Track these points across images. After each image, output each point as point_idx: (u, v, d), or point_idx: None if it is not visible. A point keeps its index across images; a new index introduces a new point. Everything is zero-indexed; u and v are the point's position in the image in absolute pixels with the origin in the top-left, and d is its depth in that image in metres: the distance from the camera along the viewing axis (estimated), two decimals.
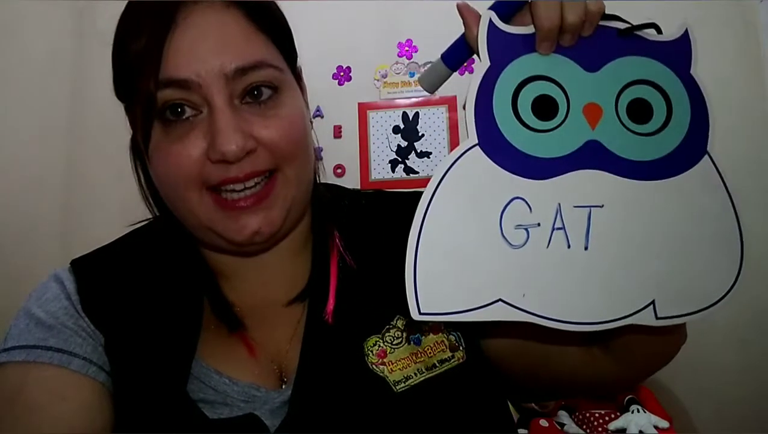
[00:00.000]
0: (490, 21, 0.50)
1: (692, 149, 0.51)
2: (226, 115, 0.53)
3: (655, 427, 1.69)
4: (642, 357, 0.59)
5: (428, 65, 2.17)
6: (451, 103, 2.14)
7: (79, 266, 0.62)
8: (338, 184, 0.73)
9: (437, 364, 0.58)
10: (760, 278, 1.87)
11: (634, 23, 0.52)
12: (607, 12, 0.51)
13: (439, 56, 0.55)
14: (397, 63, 2.21)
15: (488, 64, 0.50)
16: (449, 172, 0.49)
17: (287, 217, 0.58)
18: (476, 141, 0.49)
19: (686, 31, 0.52)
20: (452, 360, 0.59)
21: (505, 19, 0.51)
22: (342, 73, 2.24)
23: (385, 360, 0.58)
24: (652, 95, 0.51)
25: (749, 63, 1.97)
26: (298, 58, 0.63)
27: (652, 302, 0.49)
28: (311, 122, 0.63)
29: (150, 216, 0.66)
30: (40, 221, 2.05)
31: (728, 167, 1.86)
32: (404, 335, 0.60)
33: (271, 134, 0.55)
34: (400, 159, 2.16)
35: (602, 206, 0.49)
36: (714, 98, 1.90)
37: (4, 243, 1.88)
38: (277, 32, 0.59)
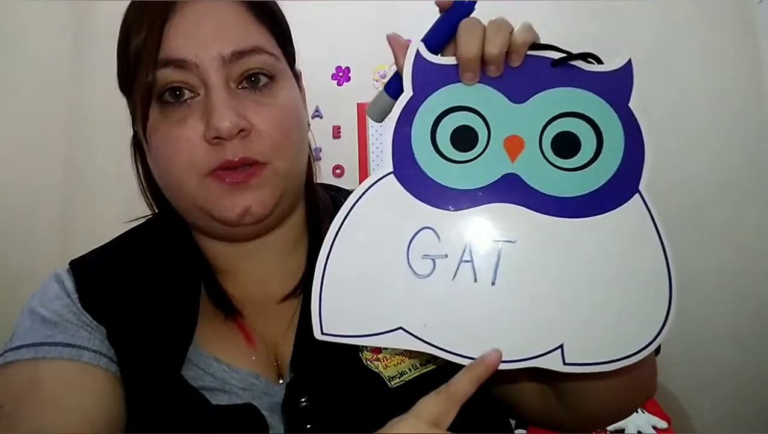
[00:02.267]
0: (417, 51, 0.50)
1: (622, 186, 0.48)
2: (222, 94, 0.54)
3: (654, 427, 1.69)
4: (592, 403, 0.58)
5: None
6: None
7: (76, 265, 0.63)
8: (336, 185, 0.73)
9: (432, 359, 0.59)
10: (759, 277, 1.87)
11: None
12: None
13: (383, 87, 0.55)
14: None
15: (410, 94, 0.50)
16: (363, 196, 0.50)
17: (277, 204, 0.58)
18: (391, 169, 0.49)
19: (628, 62, 0.49)
20: None
21: (437, 50, 0.51)
22: (341, 74, 2.24)
23: (379, 355, 0.58)
24: (581, 128, 0.49)
25: (749, 64, 1.97)
26: (297, 62, 0.65)
27: (560, 346, 0.47)
28: (309, 124, 0.64)
29: (148, 215, 0.67)
30: (40, 221, 2.05)
31: (728, 167, 1.87)
32: None
33: (265, 120, 0.56)
34: None
35: (515, 241, 0.48)
36: (713, 99, 1.90)
37: (4, 243, 1.88)
38: (276, 26, 0.61)
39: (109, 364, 0.56)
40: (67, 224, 2.15)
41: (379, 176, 0.50)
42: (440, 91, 0.50)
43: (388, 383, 0.57)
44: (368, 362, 0.58)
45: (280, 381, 0.59)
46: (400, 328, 0.48)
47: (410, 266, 0.48)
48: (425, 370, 0.58)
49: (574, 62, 0.49)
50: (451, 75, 0.50)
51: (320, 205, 0.67)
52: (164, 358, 0.57)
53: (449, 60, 0.50)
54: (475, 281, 0.48)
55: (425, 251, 0.48)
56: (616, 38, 2.03)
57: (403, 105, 0.50)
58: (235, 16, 0.57)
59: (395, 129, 0.50)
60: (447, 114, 0.50)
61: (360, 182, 1.98)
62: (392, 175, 0.49)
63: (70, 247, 2.05)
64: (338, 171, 2.20)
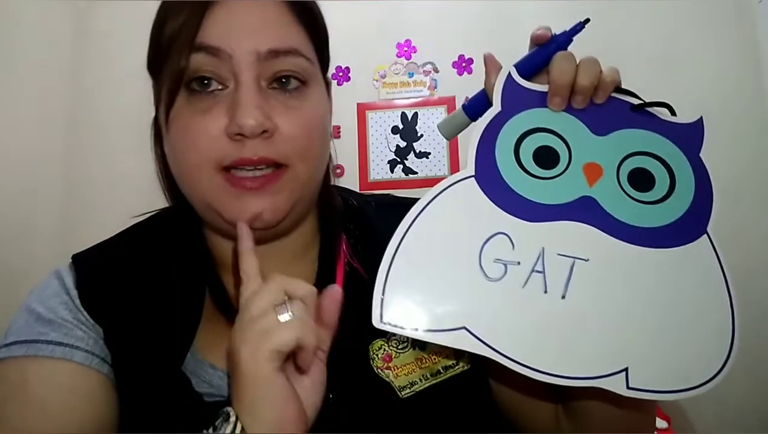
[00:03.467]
0: (509, 73, 0.53)
1: (691, 226, 0.51)
2: (251, 91, 0.53)
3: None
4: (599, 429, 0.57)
5: (427, 65, 2.13)
6: (450, 103, 2.14)
7: (78, 260, 0.62)
8: (347, 187, 0.73)
9: (442, 370, 0.58)
10: (759, 278, 1.87)
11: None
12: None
13: (461, 106, 0.58)
14: (395, 63, 2.21)
15: (499, 109, 0.53)
16: (441, 194, 0.51)
17: (291, 211, 0.58)
18: (473, 173, 0.51)
19: (700, 118, 0.54)
20: (456, 367, 0.59)
21: (526, 78, 0.54)
22: (341, 74, 2.23)
23: (390, 364, 0.58)
24: (656, 168, 0.52)
25: (749, 63, 1.97)
26: None
27: (626, 370, 0.47)
28: (331, 135, 0.63)
29: (152, 210, 0.66)
30: (39, 221, 2.05)
31: (728, 167, 1.85)
32: (410, 339, 0.59)
33: (291, 124, 0.55)
34: (398, 159, 2.16)
35: (587, 260, 0.49)
36: (713, 99, 1.89)
37: (3, 244, 1.88)
38: (315, 30, 0.60)
39: (101, 365, 0.56)
40: (67, 225, 2.15)
41: (461, 177, 0.51)
42: (527, 112, 0.53)
43: (399, 393, 0.56)
44: (379, 370, 0.57)
45: None
46: (464, 328, 0.47)
47: (481, 268, 0.49)
48: (435, 381, 0.58)
49: (651, 109, 0.54)
50: (538, 100, 0.53)
51: (334, 211, 0.66)
52: (161, 363, 0.56)
53: (537, 86, 0.53)
54: (546, 292, 0.48)
55: (498, 256, 0.49)
56: (615, 39, 2.02)
57: (491, 118, 0.53)
58: (276, 14, 0.56)
59: (481, 137, 0.52)
60: (531, 133, 0.52)
61: (360, 182, 1.99)
62: (473, 178, 0.51)
63: (70, 247, 2.04)
64: (338, 171, 2.20)
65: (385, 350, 0.58)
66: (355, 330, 0.58)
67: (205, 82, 0.54)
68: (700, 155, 0.53)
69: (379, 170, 2.16)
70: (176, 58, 0.53)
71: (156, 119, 0.61)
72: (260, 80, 0.54)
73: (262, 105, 0.53)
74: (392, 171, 2.15)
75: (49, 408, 0.52)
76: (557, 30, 0.55)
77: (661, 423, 1.71)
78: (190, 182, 0.56)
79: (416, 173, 2.13)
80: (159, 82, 0.57)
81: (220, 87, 0.54)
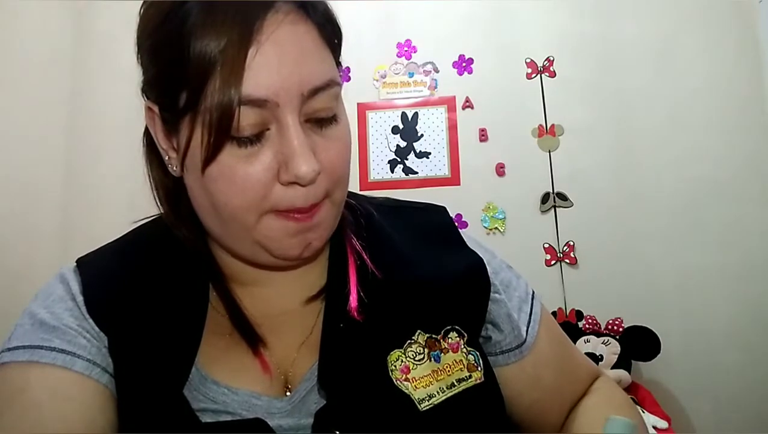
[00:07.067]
0: None
1: None
2: (300, 135, 0.51)
3: (654, 427, 1.69)
4: None
5: (427, 65, 2.13)
6: (450, 103, 2.14)
7: (84, 265, 0.62)
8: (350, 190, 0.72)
9: (455, 383, 0.58)
10: (759, 277, 1.87)
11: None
12: None
13: None
14: (396, 63, 2.21)
15: None
16: None
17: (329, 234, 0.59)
18: None
19: None
20: (470, 380, 0.59)
21: None
22: (341, 74, 2.24)
23: (408, 376, 0.57)
24: None
25: (749, 63, 1.97)
26: None
27: None
28: None
29: (152, 215, 0.66)
30: (39, 221, 2.05)
31: (728, 167, 1.85)
32: (426, 351, 0.59)
33: (331, 157, 0.54)
34: (399, 159, 2.16)
35: None
36: (713, 99, 1.89)
37: (3, 244, 1.88)
38: (339, 50, 0.59)
39: (101, 375, 0.55)
40: (67, 224, 2.15)
41: None
42: None
43: (418, 406, 0.56)
44: (399, 382, 0.57)
45: (287, 394, 0.58)
46: None
47: None
48: (451, 394, 0.58)
49: None
50: None
51: (343, 219, 0.65)
52: (165, 378, 0.56)
53: None
54: None
55: None
56: (615, 38, 2.02)
57: None
58: (311, 44, 0.53)
59: None
60: None
61: (360, 182, 1.99)
62: None
63: (70, 247, 2.05)
64: None
65: (402, 361, 0.58)
66: (374, 337, 0.58)
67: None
68: None
69: (379, 170, 2.16)
70: (218, 112, 0.49)
71: (149, 143, 0.59)
72: (300, 117, 0.52)
73: (310, 146, 0.52)
74: (392, 171, 2.15)
75: (45, 416, 0.51)
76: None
77: (661, 423, 1.71)
78: (235, 224, 0.54)
79: (416, 172, 2.13)
80: (174, 115, 0.53)
81: (262, 130, 0.52)
